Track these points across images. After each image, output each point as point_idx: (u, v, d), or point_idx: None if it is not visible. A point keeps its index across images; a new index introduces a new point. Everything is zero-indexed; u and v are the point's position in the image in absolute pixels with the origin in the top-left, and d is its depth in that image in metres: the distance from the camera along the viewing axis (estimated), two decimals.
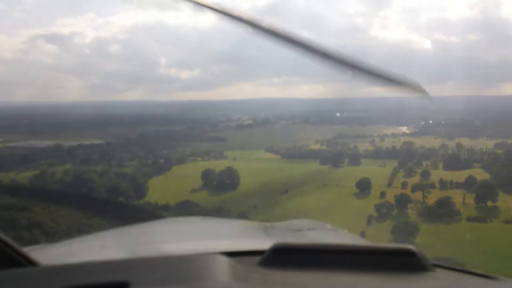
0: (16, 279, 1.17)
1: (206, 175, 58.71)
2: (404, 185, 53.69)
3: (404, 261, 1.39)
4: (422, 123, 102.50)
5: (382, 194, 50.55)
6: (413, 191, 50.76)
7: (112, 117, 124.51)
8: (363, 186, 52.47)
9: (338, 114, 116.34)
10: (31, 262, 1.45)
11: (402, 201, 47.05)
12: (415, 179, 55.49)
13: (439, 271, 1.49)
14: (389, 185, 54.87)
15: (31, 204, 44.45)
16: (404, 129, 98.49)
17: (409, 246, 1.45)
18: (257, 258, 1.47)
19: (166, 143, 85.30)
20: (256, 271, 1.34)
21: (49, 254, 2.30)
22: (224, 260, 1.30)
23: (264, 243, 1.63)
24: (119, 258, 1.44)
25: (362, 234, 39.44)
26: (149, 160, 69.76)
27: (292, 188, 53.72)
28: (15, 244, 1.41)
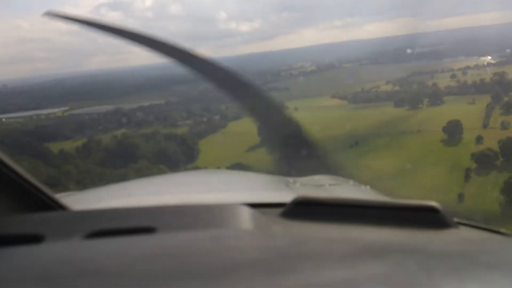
0: (46, 221, 1.21)
1: (263, 130, 49.20)
2: (504, 124, 41.01)
3: (427, 217, 1.34)
4: (508, 50, 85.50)
5: (479, 139, 38.51)
6: None
7: (176, 76, 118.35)
8: (453, 130, 40.45)
9: (409, 50, 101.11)
10: (61, 207, 1.48)
11: (509, 145, 34.91)
12: None
13: (462, 228, 1.46)
14: (485, 126, 42.46)
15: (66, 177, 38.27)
16: (488, 59, 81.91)
17: (432, 203, 1.38)
18: (279, 210, 1.44)
19: (225, 98, 76.67)
20: (277, 222, 1.34)
21: (78, 200, 2.37)
22: (247, 210, 1.28)
23: (286, 196, 1.61)
24: (146, 205, 1.40)
25: (461, 196, 28.71)
26: (204, 117, 61.23)
27: (363, 139, 42.85)
28: (46, 189, 1.43)
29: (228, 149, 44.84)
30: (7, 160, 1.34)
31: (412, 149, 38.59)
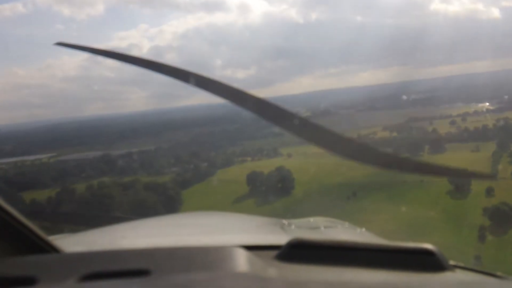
0: (40, 264, 1.20)
1: (253, 178, 44.63)
2: None
3: (422, 260, 1.33)
4: (506, 97, 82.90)
5: (489, 191, 34.10)
6: None
7: (171, 122, 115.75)
8: (460, 181, 36.00)
9: (404, 97, 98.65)
10: (54, 249, 1.46)
11: None
12: None
13: (458, 271, 1.45)
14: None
15: None
16: (487, 105, 79.11)
17: (428, 245, 1.37)
18: (274, 253, 1.44)
19: (217, 144, 73.04)
20: (272, 265, 1.31)
21: (72, 242, 2.29)
22: (243, 253, 1.26)
23: (281, 239, 1.62)
24: (140, 247, 1.42)
25: (477, 258, 24.03)
26: (192, 165, 56.81)
27: (361, 189, 38.32)
28: (40, 232, 1.41)
29: (213, 200, 40.23)
30: (1, 201, 1.30)
31: (416, 202, 34.01)
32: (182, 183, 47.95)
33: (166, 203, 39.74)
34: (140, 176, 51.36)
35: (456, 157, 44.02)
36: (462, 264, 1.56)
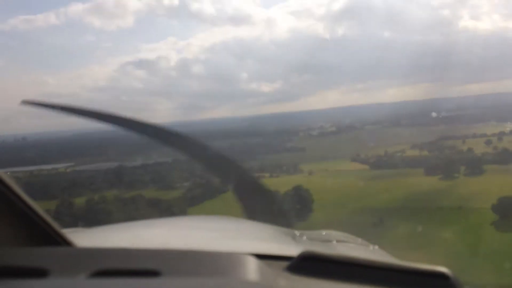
0: (52, 256, 1.19)
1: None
2: None
3: (436, 283, 1.27)
4: None
5: None
6: None
7: (194, 135, 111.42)
8: (507, 211, 30.05)
9: (434, 114, 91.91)
10: (67, 242, 1.46)
11: None
12: None
13: None
14: None
15: None
16: None
17: (443, 269, 1.32)
18: (285, 263, 1.40)
19: (236, 158, 67.99)
20: (282, 276, 1.29)
21: (84, 237, 2.29)
22: (254, 261, 1.22)
23: (293, 249, 1.64)
24: (152, 247, 1.37)
25: None
26: (204, 180, 52.13)
27: (389, 216, 32.65)
28: (54, 224, 1.41)
29: None
30: (19, 191, 1.30)
31: (455, 232, 28.20)
32: (191, 199, 43.59)
33: None
34: (149, 190, 47.27)
35: (496, 181, 37.94)
36: None
